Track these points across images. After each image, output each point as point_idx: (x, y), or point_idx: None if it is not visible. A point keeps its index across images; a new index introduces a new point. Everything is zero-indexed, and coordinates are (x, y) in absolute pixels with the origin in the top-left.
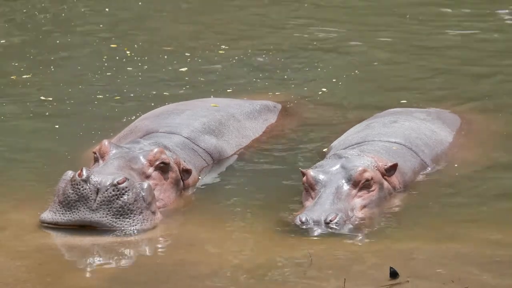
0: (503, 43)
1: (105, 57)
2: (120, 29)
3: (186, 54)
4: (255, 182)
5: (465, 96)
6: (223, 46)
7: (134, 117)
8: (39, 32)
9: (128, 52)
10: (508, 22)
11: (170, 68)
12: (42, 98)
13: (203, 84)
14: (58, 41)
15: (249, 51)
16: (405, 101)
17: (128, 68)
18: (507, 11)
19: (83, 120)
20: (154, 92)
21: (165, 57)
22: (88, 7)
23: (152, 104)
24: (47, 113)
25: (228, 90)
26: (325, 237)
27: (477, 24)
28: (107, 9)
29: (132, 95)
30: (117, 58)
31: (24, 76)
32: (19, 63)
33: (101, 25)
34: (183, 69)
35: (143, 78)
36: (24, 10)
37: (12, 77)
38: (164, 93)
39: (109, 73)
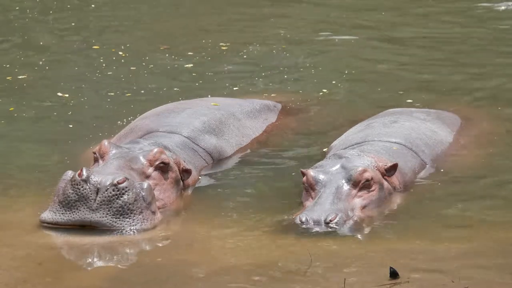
0: (503, 41)
1: (102, 57)
2: (110, 29)
3: (189, 53)
4: (255, 182)
5: (465, 95)
6: (222, 43)
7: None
8: (24, 33)
9: (120, 52)
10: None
11: (176, 65)
12: (59, 94)
13: (205, 84)
14: (41, 42)
15: (249, 50)
16: (410, 101)
17: (132, 68)
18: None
19: (89, 118)
20: (164, 89)
21: (167, 55)
22: (79, 6)
23: (166, 99)
24: (47, 113)
25: (234, 88)
26: (325, 237)
27: (475, 20)
28: (92, 5)
29: (142, 91)
30: (114, 58)
31: (20, 77)
32: (11, 65)
33: (89, 26)
34: (188, 65)
35: (150, 75)
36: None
37: (7, 77)
38: (175, 89)
39: (110, 72)
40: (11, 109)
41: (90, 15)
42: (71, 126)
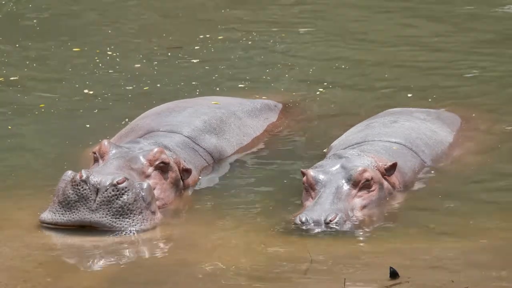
0: (502, 41)
1: (96, 58)
2: (99, 27)
3: (195, 48)
4: (255, 182)
5: (465, 95)
6: (224, 41)
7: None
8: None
9: (109, 52)
10: (503, 18)
11: (180, 61)
12: (85, 91)
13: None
14: (30, 43)
15: (248, 48)
16: (410, 94)
17: (136, 65)
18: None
19: (98, 117)
20: (182, 83)
21: (163, 52)
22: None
23: (186, 94)
24: (46, 113)
25: (239, 86)
26: (325, 237)
27: (474, 21)
28: None
29: (158, 85)
30: (108, 58)
31: (12, 78)
32: None
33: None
34: (195, 60)
35: (157, 73)
36: None
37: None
38: (193, 83)
39: (111, 70)
40: (41, 105)
41: (74, 17)
42: (88, 126)
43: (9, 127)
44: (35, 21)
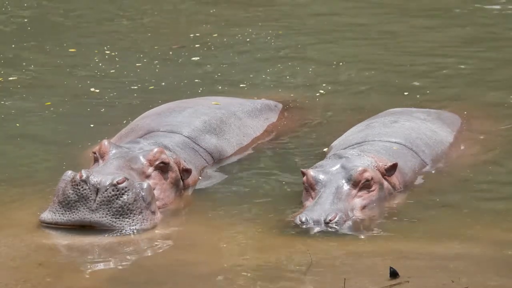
0: (501, 41)
1: (96, 58)
2: (94, 26)
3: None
4: (255, 182)
5: (465, 95)
6: (224, 40)
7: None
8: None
9: (107, 52)
10: (500, 18)
11: (181, 59)
12: (92, 89)
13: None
14: (25, 44)
15: (249, 48)
16: (407, 93)
17: (137, 64)
18: (497, 6)
19: (100, 118)
20: (185, 81)
21: (170, 53)
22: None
23: (188, 92)
24: (46, 113)
25: (241, 85)
26: (325, 237)
27: (471, 21)
28: None
29: (163, 84)
30: (106, 57)
31: (11, 78)
32: None
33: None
34: (195, 58)
35: (161, 71)
36: None
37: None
38: (196, 81)
39: (113, 70)
40: (48, 103)
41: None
42: (92, 125)
43: (17, 124)
44: (25, 20)
